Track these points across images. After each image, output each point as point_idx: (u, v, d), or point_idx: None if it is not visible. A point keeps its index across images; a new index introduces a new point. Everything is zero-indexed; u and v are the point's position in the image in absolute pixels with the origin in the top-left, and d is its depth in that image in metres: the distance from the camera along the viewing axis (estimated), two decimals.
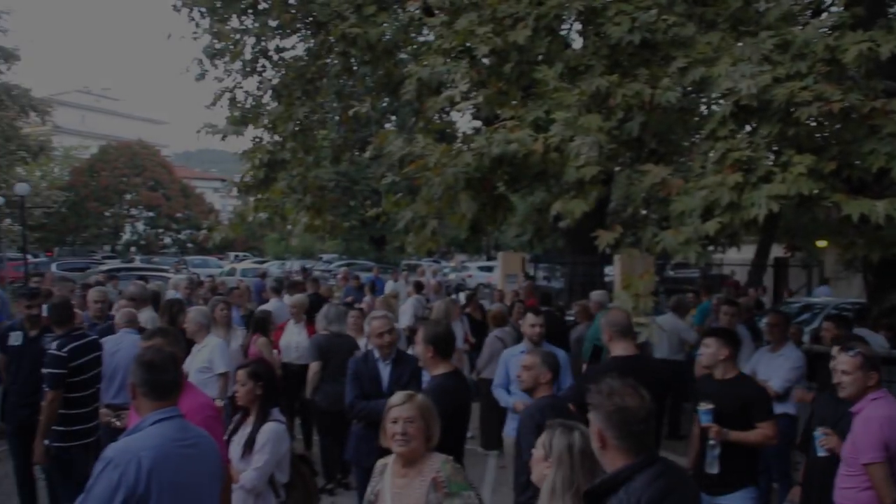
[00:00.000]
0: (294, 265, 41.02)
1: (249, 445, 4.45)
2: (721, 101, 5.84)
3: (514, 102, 7.56)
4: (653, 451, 2.82)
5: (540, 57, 7.71)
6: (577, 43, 10.09)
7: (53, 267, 29.75)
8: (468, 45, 7.61)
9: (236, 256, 49.06)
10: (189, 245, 56.14)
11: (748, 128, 5.87)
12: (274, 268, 36.68)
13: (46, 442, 5.82)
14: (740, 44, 5.87)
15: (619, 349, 5.18)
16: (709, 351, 4.96)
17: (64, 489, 5.97)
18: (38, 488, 6.55)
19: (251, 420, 4.57)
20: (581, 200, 6.99)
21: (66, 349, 5.82)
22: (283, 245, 56.92)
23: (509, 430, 6.36)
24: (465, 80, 7.09)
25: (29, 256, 29.73)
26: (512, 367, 6.25)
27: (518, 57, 7.79)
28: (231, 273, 30.51)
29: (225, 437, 4.48)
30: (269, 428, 4.50)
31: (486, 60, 7.61)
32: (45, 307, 6.50)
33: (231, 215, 49.95)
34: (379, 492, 3.53)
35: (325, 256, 51.01)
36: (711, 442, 4.76)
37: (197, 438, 3.19)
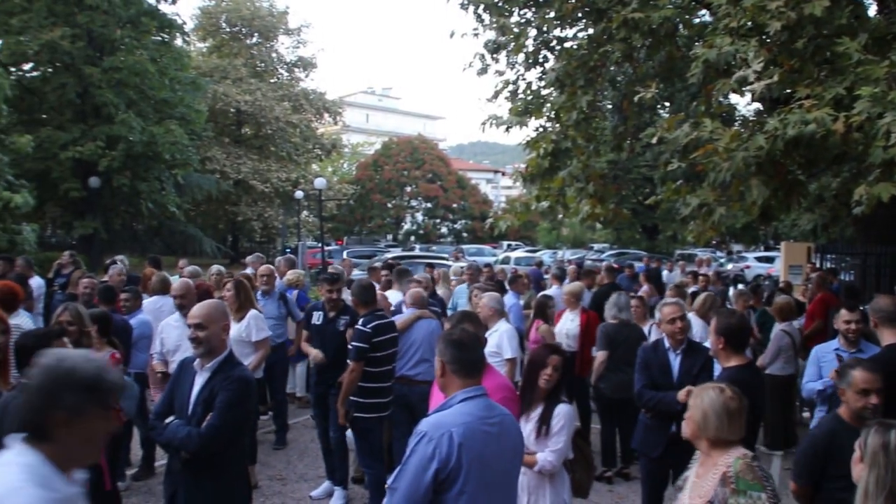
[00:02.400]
0: (566, 254, 41.26)
1: (545, 428, 4.45)
2: None
3: (808, 80, 7.09)
4: None
5: (839, 29, 7.17)
6: (873, 11, 9.25)
7: (344, 254, 32.13)
8: (758, 21, 7.23)
9: (509, 245, 50.22)
10: (464, 234, 58.31)
11: None
12: (546, 257, 37.08)
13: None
14: None
15: (889, 337, 5.00)
16: None
17: (361, 456, 6.62)
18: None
19: (538, 403, 4.54)
20: (889, 184, 6.43)
21: (370, 326, 6.34)
22: (555, 234, 57.49)
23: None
24: (759, 58, 6.73)
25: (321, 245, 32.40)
26: (825, 365, 5.83)
27: (813, 31, 7.29)
28: (505, 262, 31.28)
29: None
30: (562, 410, 4.50)
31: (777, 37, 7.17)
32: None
33: (503, 205, 51.31)
34: (686, 478, 3.46)
35: (597, 246, 50.78)
36: None
37: (501, 416, 3.29)
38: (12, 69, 27.04)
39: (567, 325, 8.68)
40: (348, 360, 6.48)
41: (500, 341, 6.74)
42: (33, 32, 26.20)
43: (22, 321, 5.98)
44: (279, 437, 8.61)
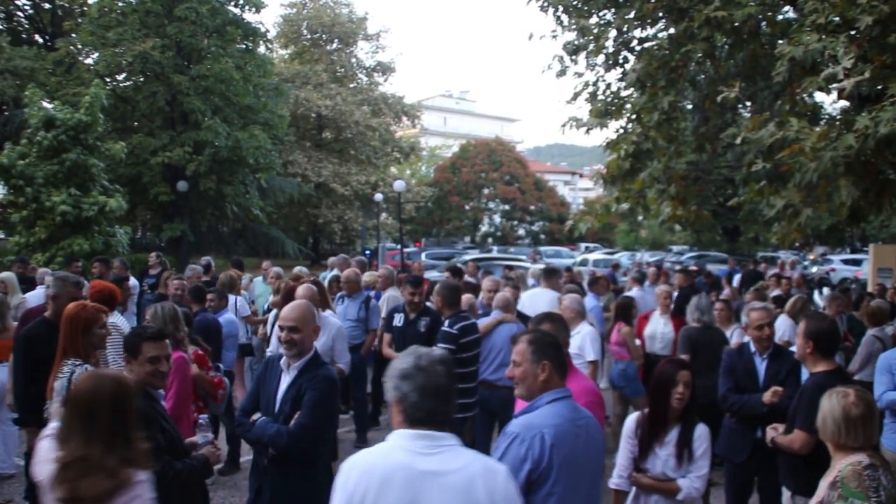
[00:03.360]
0: (644, 256, 40.68)
1: (686, 452, 4.20)
2: None
3: None
4: None
5: None
6: None
7: (423, 256, 32.37)
8: (847, 16, 7.05)
9: (587, 247, 49.78)
10: (542, 236, 58.05)
11: None
12: (624, 259, 36.63)
13: None
14: None
15: None
16: None
17: None
18: None
19: (673, 425, 4.26)
20: None
21: (456, 327, 6.45)
22: (633, 236, 56.74)
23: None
24: (849, 55, 6.56)
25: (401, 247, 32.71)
26: None
27: None
28: (583, 263, 31.04)
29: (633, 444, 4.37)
30: (703, 432, 4.26)
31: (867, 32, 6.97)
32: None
33: (581, 207, 50.92)
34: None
35: (676, 248, 49.86)
36: None
37: (586, 419, 3.32)
38: (107, 80, 28.13)
39: (660, 329, 8.55)
40: None
41: (582, 343, 6.75)
42: (127, 44, 27.31)
43: (118, 320, 6.25)
44: (360, 436, 8.77)
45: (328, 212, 41.37)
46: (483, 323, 7.24)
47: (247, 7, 31.33)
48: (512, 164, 58.52)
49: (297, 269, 10.67)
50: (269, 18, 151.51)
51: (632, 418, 4.47)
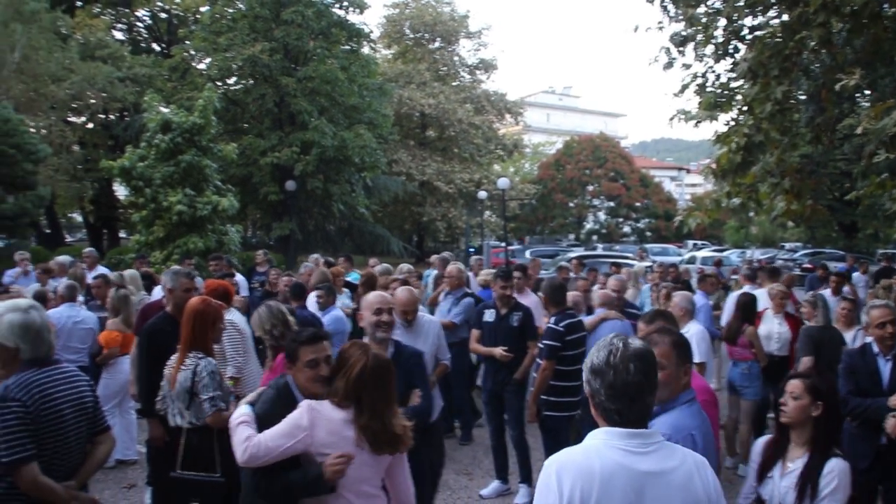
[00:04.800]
0: (755, 254, 39.41)
1: (810, 487, 3.49)
2: None
3: None
4: None
5: None
6: None
7: (527, 254, 32.22)
8: None
9: (695, 244, 48.58)
10: (648, 233, 57.02)
11: None
12: (733, 256, 35.56)
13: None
14: None
15: None
16: None
17: (548, 455, 6.56)
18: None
19: (802, 450, 3.63)
20: None
21: (562, 324, 6.38)
22: (743, 233, 55.07)
23: None
24: None
25: (504, 244, 32.65)
26: None
27: None
28: (691, 261, 30.30)
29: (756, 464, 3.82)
30: (837, 467, 3.49)
31: None
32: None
33: (688, 203, 49.67)
34: None
35: (788, 245, 48.08)
36: None
37: (709, 420, 3.27)
38: (219, 83, 29.16)
39: (776, 328, 8.20)
40: (539, 359, 6.54)
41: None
42: (237, 49, 28.29)
43: (236, 317, 6.42)
44: (465, 434, 8.78)
45: (432, 209, 41.70)
46: (587, 320, 7.14)
47: (351, 8, 31.92)
48: (617, 160, 57.70)
49: (403, 266, 10.76)
50: (372, 19, 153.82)
51: (763, 438, 3.94)
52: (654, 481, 2.33)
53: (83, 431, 3.62)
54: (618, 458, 2.34)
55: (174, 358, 4.86)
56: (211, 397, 4.62)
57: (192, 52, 31.72)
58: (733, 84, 9.97)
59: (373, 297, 4.70)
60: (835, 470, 3.47)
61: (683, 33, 9.99)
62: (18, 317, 3.50)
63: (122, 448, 7.59)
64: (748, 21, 9.65)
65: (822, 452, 3.54)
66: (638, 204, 57.70)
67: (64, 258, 12.50)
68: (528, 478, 6.97)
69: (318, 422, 3.30)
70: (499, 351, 6.94)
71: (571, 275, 11.48)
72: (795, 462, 3.60)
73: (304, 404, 3.38)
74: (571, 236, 57.41)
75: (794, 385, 3.66)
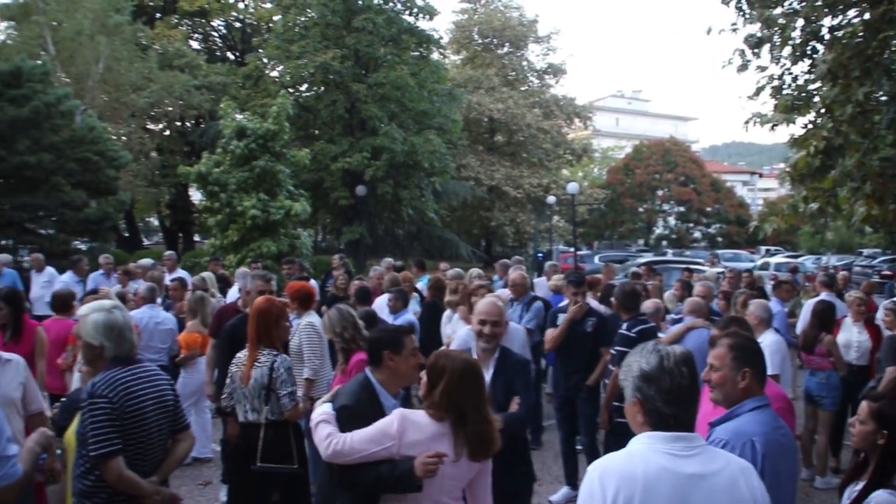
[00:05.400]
0: (830, 260, 38.37)
1: None
2: None
3: None
4: None
5: None
6: None
7: (596, 259, 31.96)
8: None
9: (768, 250, 47.45)
10: (719, 238, 55.96)
11: None
12: (809, 262, 34.66)
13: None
14: None
15: None
16: None
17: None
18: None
19: (864, 476, 3.38)
20: None
21: (634, 330, 6.35)
22: (819, 238, 53.55)
23: None
24: None
25: (573, 250, 32.44)
26: None
27: None
28: (764, 267, 29.66)
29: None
30: (881, 499, 3.19)
31: None
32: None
33: (761, 208, 48.47)
34: None
35: (866, 251, 46.54)
36: None
37: (785, 428, 3.21)
38: (291, 90, 29.72)
39: (855, 337, 7.97)
40: (611, 366, 6.51)
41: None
42: (309, 56, 28.78)
43: (315, 319, 6.57)
44: (534, 438, 8.73)
45: (500, 214, 41.67)
46: (673, 330, 7.06)
47: (420, 15, 32.15)
48: (687, 164, 56.73)
49: (473, 270, 10.79)
50: (441, 25, 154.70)
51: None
52: (698, 484, 2.32)
53: (164, 428, 3.74)
54: (662, 462, 2.34)
55: (241, 356, 5.01)
56: (290, 392, 4.79)
57: (266, 60, 32.36)
58: (811, 86, 9.76)
59: (481, 305, 4.66)
60: (872, 501, 3.21)
61: (759, 35, 9.81)
62: (102, 316, 3.65)
63: (198, 446, 7.75)
64: (827, 21, 9.43)
65: (876, 483, 3.28)
66: (709, 209, 56.63)
67: (145, 261, 12.93)
68: None
69: (408, 431, 3.29)
70: (575, 308, 6.95)
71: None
72: (857, 486, 3.39)
73: (397, 413, 3.37)
74: (640, 241, 56.67)
75: (862, 408, 3.43)
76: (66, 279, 12.29)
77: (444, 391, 3.32)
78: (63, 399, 5.10)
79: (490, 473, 3.57)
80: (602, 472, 2.36)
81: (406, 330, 3.83)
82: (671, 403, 2.40)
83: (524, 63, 47.56)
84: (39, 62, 22.04)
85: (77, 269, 12.62)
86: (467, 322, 6.61)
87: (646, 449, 2.39)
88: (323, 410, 3.56)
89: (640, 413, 2.47)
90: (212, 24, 38.61)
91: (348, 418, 3.43)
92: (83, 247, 22.31)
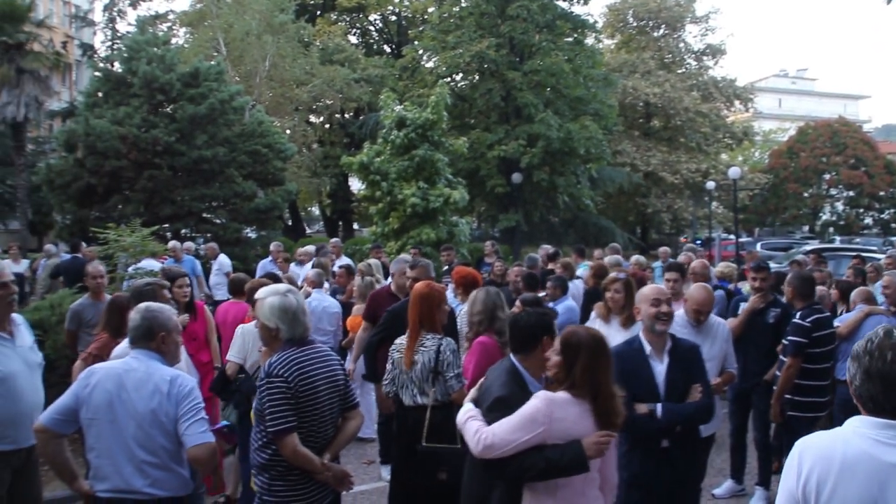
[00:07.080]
0: None
1: None
2: None
3: None
4: None
5: None
6: None
7: (758, 246, 30.75)
8: None
9: None
10: (893, 225, 52.47)
11: None
12: None
13: None
14: None
15: None
16: None
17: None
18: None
19: None
20: None
21: (809, 319, 6.11)
22: None
23: None
24: None
25: (733, 237, 31.31)
26: None
27: None
28: None
29: None
30: None
31: None
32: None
33: None
34: None
35: None
36: None
37: None
38: (447, 80, 30.19)
39: None
40: (782, 357, 6.28)
41: None
42: (465, 46, 29.12)
43: None
44: None
45: (657, 201, 40.63)
46: (849, 318, 6.75)
47: (575, 0, 31.84)
48: (858, 145, 53.32)
49: (633, 257, 10.67)
50: (595, 9, 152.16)
51: None
52: None
53: (336, 406, 3.91)
54: (865, 447, 2.26)
55: (400, 342, 5.12)
56: (457, 374, 4.87)
57: (422, 52, 32.96)
58: None
59: (648, 289, 4.58)
60: None
61: None
62: (278, 300, 3.87)
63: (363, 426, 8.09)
64: None
65: None
66: (882, 193, 53.09)
67: (310, 247, 13.46)
68: (766, 481, 6.71)
69: (556, 415, 3.32)
70: (756, 298, 6.77)
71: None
72: None
73: (542, 396, 3.40)
74: (805, 228, 53.92)
75: None
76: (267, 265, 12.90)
77: (586, 369, 3.39)
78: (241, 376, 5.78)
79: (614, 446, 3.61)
80: (803, 448, 2.37)
81: (553, 313, 3.88)
82: (867, 384, 2.33)
83: (681, 45, 46.12)
84: (213, 62, 23.47)
85: (273, 256, 13.24)
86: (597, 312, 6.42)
87: (851, 431, 2.33)
88: (468, 408, 3.64)
89: (852, 393, 2.42)
90: (369, 18, 39.73)
91: (503, 411, 3.45)
92: (252, 235, 23.57)
